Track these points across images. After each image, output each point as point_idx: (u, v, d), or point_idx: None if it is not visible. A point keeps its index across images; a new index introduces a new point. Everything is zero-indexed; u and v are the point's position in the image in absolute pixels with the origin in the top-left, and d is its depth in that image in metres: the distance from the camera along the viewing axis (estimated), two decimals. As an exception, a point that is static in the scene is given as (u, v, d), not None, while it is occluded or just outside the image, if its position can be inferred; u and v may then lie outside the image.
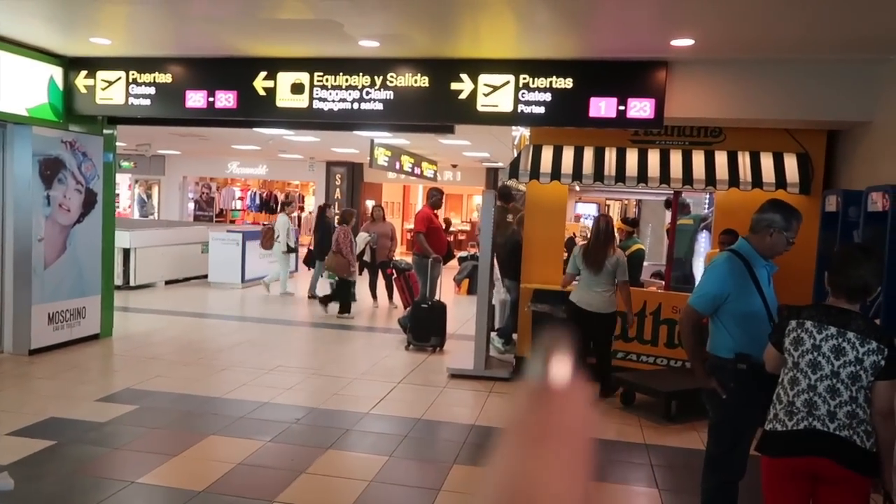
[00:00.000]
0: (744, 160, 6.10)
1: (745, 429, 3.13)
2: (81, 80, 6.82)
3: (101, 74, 6.77)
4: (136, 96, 6.69)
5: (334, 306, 9.77)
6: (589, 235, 6.23)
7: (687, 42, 5.14)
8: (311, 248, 11.49)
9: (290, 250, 11.46)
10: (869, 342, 2.44)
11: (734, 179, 6.01)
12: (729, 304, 3.11)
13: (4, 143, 6.57)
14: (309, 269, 11.40)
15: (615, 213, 14.44)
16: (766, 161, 6.06)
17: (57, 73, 6.78)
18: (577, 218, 13.71)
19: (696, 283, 7.10)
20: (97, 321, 7.39)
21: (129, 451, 4.49)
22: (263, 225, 17.81)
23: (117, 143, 8.01)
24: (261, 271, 12.65)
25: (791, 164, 6.03)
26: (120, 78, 6.72)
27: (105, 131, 7.43)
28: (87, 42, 6.23)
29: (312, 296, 11.11)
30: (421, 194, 21.65)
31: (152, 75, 6.63)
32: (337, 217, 11.55)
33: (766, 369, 2.80)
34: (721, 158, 6.14)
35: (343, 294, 9.70)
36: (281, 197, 21.98)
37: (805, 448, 2.49)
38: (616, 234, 6.41)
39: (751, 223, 3.19)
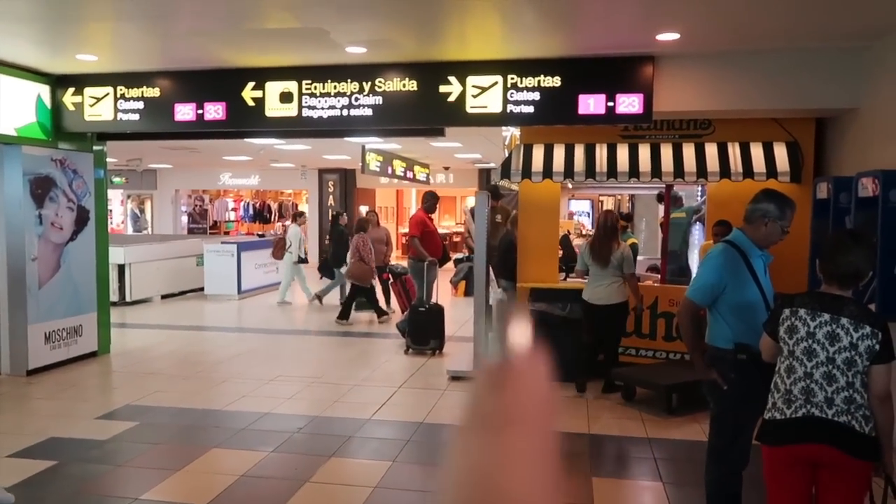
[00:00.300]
0: (734, 151, 6.12)
1: (746, 419, 3.13)
2: (69, 98, 6.81)
3: (88, 91, 6.75)
4: (125, 111, 6.68)
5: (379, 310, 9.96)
6: (595, 231, 6.34)
7: (672, 36, 5.16)
8: (326, 256, 11.58)
9: (300, 261, 11.47)
10: (863, 327, 2.45)
11: (725, 171, 6.03)
12: (726, 294, 3.12)
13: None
14: (322, 278, 11.43)
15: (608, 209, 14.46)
16: (756, 151, 6.09)
17: (44, 91, 6.76)
18: (571, 215, 13.74)
19: (693, 275, 7.15)
20: (94, 338, 7.37)
21: (132, 467, 4.47)
22: (258, 235, 17.79)
23: (108, 159, 7.99)
24: (257, 282, 12.64)
25: (781, 153, 6.06)
26: (108, 94, 6.71)
27: (95, 147, 7.41)
28: (73, 59, 6.22)
29: (316, 297, 11.16)
30: (415, 198, 21.66)
31: (140, 90, 6.62)
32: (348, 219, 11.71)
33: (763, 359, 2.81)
34: (711, 150, 6.16)
35: (352, 301, 9.70)
36: (274, 206, 21.99)
37: (804, 435, 2.50)
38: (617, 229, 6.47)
39: (745, 213, 3.20)
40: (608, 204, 15.05)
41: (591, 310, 6.02)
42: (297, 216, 12.32)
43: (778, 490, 2.63)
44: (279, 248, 11.67)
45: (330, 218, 13.61)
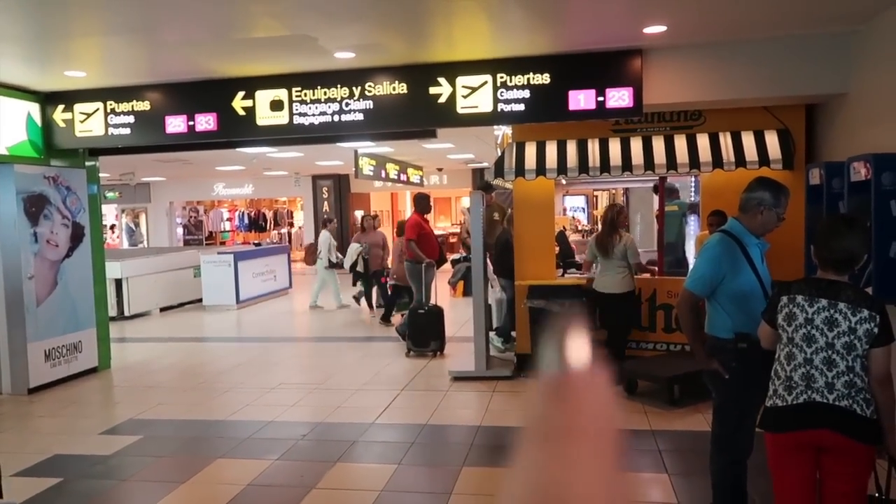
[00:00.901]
0: (725, 141, 6.14)
1: (748, 407, 3.14)
2: (59, 115, 6.80)
3: (78, 107, 6.74)
4: (116, 126, 6.67)
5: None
6: (603, 223, 6.79)
7: (659, 28, 5.18)
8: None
9: (332, 265, 11.41)
10: (860, 311, 2.46)
11: (717, 161, 6.05)
12: (725, 284, 3.13)
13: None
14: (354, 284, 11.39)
15: (602, 204, 14.48)
16: (748, 140, 6.10)
17: (34, 109, 6.75)
18: (564, 211, 13.75)
19: (689, 266, 7.17)
20: (94, 354, 7.36)
21: (138, 481, 4.47)
22: (254, 244, 17.75)
23: (100, 174, 7.98)
24: (255, 291, 12.62)
25: (772, 140, 6.07)
26: (98, 109, 6.70)
27: (87, 163, 7.40)
28: (62, 76, 6.21)
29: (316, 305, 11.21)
30: (409, 201, 21.66)
31: (130, 104, 6.61)
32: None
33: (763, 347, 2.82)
34: (703, 141, 6.18)
35: (397, 300, 9.72)
36: (269, 215, 21.97)
37: (806, 421, 2.51)
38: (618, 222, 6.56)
39: (740, 203, 3.21)
40: (603, 199, 15.07)
41: (598, 297, 6.36)
42: (327, 222, 12.22)
43: (783, 476, 2.64)
44: (310, 254, 11.68)
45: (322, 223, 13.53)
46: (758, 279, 3.13)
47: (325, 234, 11.62)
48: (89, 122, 6.74)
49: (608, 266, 6.31)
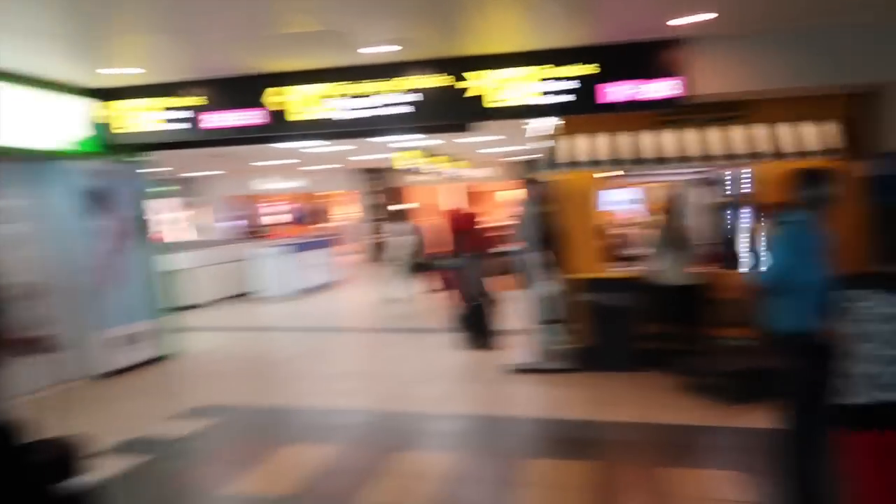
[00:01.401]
0: (781, 131, 6.02)
1: (820, 404, 3.10)
2: (114, 111, 7.00)
3: (130, 103, 6.94)
4: (166, 122, 6.86)
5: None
6: (664, 215, 6.49)
7: (708, 16, 5.10)
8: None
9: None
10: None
11: (773, 151, 5.94)
12: (796, 277, 3.14)
13: (44, 179, 6.82)
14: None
15: (655, 197, 14.24)
16: (806, 130, 5.97)
17: (90, 105, 6.96)
18: (612, 204, 13.59)
19: (741, 260, 7.05)
20: (162, 343, 7.69)
21: (213, 462, 4.71)
22: (309, 236, 17.96)
23: (154, 169, 8.19)
24: (310, 282, 12.89)
25: (831, 130, 5.93)
26: (151, 105, 6.89)
27: (141, 158, 7.64)
28: (116, 74, 6.40)
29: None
30: (452, 195, 21.71)
31: (182, 100, 6.79)
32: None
33: (835, 342, 2.81)
34: (758, 131, 6.08)
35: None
36: (321, 208, 22.29)
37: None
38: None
39: (802, 200, 3.22)
40: (655, 192, 14.81)
41: (661, 290, 6.19)
42: (393, 216, 12.21)
43: (864, 476, 2.61)
44: (378, 248, 11.67)
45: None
46: (825, 272, 3.13)
47: (392, 227, 11.70)
48: (142, 118, 6.93)
49: (672, 257, 6.16)
